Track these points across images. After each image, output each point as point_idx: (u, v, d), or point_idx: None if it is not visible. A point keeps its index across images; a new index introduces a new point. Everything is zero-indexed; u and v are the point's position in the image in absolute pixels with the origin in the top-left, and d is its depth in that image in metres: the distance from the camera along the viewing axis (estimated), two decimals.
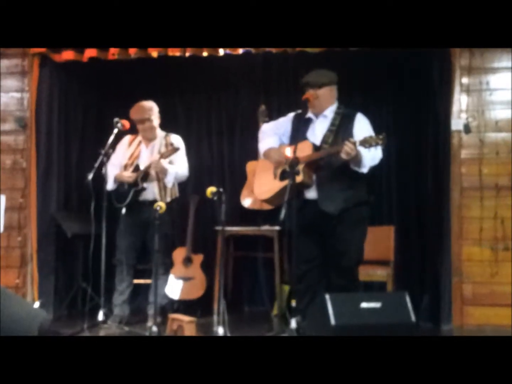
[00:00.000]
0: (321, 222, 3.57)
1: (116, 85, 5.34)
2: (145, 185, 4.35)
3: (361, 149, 3.37)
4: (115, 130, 4.22)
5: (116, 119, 4.27)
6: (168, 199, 4.38)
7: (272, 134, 3.80)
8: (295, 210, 3.49)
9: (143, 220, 4.37)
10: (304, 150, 3.52)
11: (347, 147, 3.31)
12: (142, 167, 4.36)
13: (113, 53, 4.64)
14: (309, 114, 3.71)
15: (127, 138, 4.56)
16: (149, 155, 4.45)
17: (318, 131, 3.64)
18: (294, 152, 3.41)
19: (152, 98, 4.58)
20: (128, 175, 4.36)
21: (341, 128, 3.59)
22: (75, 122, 5.24)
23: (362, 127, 3.60)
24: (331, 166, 3.54)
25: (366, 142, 3.32)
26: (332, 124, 3.62)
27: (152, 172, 4.33)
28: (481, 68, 4.34)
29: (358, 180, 3.58)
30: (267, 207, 4.81)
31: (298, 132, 3.62)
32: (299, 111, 3.73)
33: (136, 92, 5.14)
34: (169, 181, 4.35)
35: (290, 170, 3.40)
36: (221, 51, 4.70)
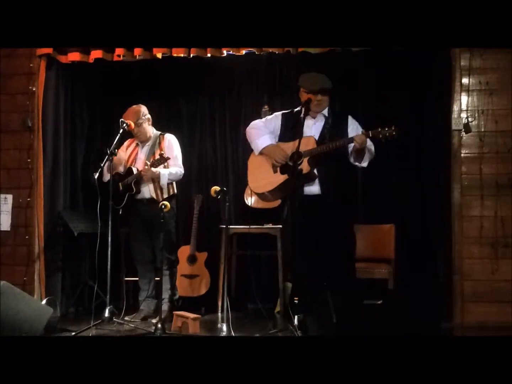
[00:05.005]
0: (323, 217, 3.66)
1: (121, 86, 5.40)
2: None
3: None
4: (121, 130, 4.28)
5: (121, 120, 4.33)
6: (166, 196, 4.46)
7: (267, 131, 3.95)
8: (296, 206, 3.63)
9: (145, 219, 4.44)
10: (308, 145, 3.68)
11: (359, 138, 3.51)
12: (135, 170, 4.45)
13: (119, 54, 4.71)
14: (303, 114, 3.85)
15: (126, 142, 4.65)
16: (143, 156, 4.54)
17: (314, 129, 3.82)
18: (298, 147, 3.55)
19: (156, 99, 4.67)
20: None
21: (335, 127, 3.79)
22: (81, 122, 5.30)
23: (355, 127, 3.81)
24: (332, 160, 3.68)
25: (379, 133, 3.51)
26: (326, 122, 3.83)
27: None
28: (481, 68, 4.38)
29: (355, 175, 3.77)
30: (270, 205, 4.88)
31: (290, 130, 3.79)
32: (288, 110, 3.94)
33: (141, 93, 5.21)
34: (163, 184, 4.42)
35: (293, 164, 3.59)
36: (224, 52, 4.76)
